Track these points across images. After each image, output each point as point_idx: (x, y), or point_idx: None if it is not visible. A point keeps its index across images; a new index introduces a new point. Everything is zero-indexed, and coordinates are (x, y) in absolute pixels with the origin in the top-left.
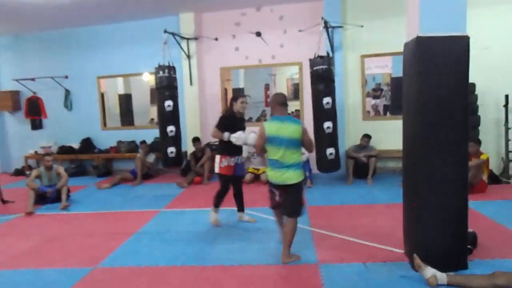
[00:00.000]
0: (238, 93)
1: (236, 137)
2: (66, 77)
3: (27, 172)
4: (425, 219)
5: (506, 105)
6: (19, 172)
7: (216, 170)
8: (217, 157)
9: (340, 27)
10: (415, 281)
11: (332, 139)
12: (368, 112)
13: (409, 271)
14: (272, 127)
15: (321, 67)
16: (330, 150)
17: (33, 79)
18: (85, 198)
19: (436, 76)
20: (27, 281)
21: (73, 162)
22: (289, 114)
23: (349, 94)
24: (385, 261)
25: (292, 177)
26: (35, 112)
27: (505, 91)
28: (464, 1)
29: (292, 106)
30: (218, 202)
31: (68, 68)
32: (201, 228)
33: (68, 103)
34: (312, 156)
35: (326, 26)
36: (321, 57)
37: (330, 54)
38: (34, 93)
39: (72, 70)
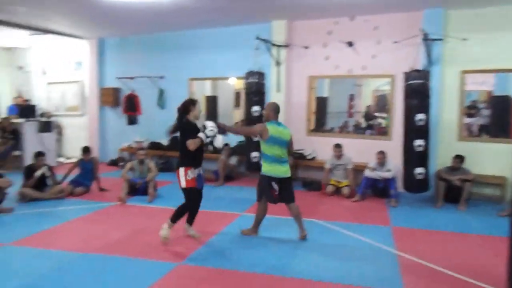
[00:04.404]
0: (323, 101)
1: (212, 128)
2: (162, 77)
3: (121, 164)
4: None
5: None
6: (113, 163)
7: (183, 184)
8: (181, 170)
9: (440, 39)
10: None
11: (423, 158)
12: None
13: None
14: (275, 129)
15: (416, 81)
16: (419, 170)
17: (132, 78)
18: (170, 194)
19: None
20: (119, 268)
21: (161, 158)
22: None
23: (445, 111)
24: None
25: (289, 170)
26: (131, 108)
27: None
28: None
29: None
30: (178, 218)
31: (164, 69)
32: (281, 236)
33: (161, 101)
34: (399, 174)
35: (425, 38)
36: (418, 70)
37: (427, 68)
38: (132, 90)
39: (167, 71)
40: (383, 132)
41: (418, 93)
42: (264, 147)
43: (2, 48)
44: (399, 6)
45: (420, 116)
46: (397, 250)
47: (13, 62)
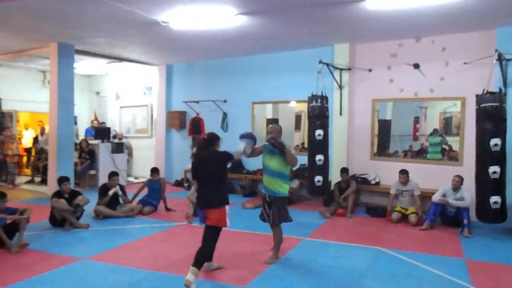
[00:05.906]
0: (386, 124)
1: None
2: (225, 101)
3: (185, 184)
4: None
5: None
6: (178, 184)
7: (228, 224)
8: (228, 209)
9: None
10: None
11: (498, 185)
12: None
13: None
14: None
15: (490, 104)
16: (495, 198)
17: (197, 102)
18: (231, 216)
19: None
20: None
21: None
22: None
23: None
24: None
25: None
26: (196, 131)
27: None
28: None
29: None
30: (204, 261)
31: (227, 93)
32: (346, 264)
33: (224, 124)
34: (472, 203)
35: (500, 58)
36: (492, 93)
37: (502, 90)
38: (197, 114)
39: (230, 95)
40: (452, 157)
41: (492, 116)
42: (286, 168)
43: (83, 75)
44: (469, 26)
45: (495, 141)
46: (474, 286)
47: (92, 88)
